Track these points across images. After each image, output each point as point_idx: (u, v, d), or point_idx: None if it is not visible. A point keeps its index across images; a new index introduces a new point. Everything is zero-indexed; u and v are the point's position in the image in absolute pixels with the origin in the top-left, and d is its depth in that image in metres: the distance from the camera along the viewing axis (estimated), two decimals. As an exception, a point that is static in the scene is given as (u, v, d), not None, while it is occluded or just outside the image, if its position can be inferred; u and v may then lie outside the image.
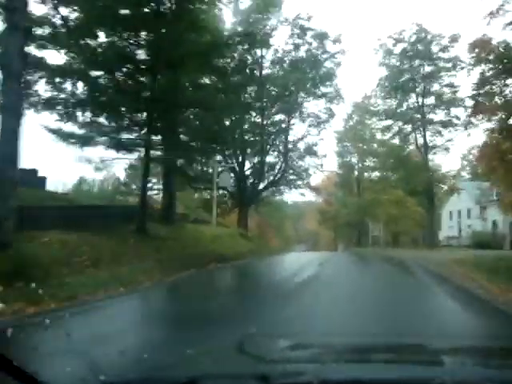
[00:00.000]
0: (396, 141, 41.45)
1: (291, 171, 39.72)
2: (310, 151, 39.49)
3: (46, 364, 2.42)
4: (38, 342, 4.53)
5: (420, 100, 38.03)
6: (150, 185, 30.23)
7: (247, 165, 38.45)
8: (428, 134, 38.36)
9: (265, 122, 36.94)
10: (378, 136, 51.65)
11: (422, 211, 52.58)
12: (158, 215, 19.80)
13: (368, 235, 52.90)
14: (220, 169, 30.28)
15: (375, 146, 52.93)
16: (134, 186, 49.82)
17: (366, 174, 57.16)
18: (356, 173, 57.63)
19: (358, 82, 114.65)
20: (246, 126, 34.14)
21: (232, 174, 34.65)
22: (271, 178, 38.76)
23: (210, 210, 40.29)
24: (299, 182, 40.05)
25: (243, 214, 36.91)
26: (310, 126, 39.43)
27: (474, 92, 18.44)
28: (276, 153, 39.11)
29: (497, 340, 4.29)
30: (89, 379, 1.84)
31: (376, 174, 54.51)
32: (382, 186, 52.76)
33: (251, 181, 37.88)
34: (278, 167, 38.70)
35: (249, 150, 36.96)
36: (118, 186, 60.46)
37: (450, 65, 38.98)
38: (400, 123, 38.95)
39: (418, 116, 37.63)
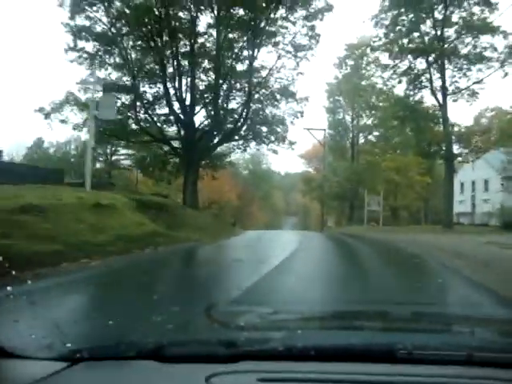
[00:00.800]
0: (402, 87, 30.95)
1: (259, 119, 29.10)
2: (285, 92, 28.72)
3: (9, 331, 1.85)
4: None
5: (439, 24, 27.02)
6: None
7: (198, 111, 28.24)
8: (448, 75, 27.78)
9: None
10: (379, 84, 41.27)
11: (425, 181, 43.31)
12: None
13: (363, 210, 42.94)
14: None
15: (374, 99, 42.64)
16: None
17: (361, 134, 46.74)
18: (350, 134, 47.17)
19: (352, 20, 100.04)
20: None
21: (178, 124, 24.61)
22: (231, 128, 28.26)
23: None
24: (272, 136, 29.43)
25: (191, 177, 26.80)
26: (283, 54, 28.48)
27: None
28: (239, 95, 28.55)
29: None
30: (55, 346, 1.68)
31: (375, 134, 44.13)
32: (381, 148, 42.49)
33: (202, 132, 27.67)
34: (239, 113, 28.12)
35: (201, 86, 26.76)
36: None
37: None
38: (410, 58, 28.30)
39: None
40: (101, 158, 48.23)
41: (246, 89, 27.42)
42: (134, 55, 26.69)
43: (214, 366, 1.50)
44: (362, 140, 46.78)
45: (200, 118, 28.21)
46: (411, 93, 29.92)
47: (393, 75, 30.61)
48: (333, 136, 48.33)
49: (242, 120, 27.77)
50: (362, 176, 39.55)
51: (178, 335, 2.22)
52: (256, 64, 27.46)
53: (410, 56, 29.00)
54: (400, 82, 30.48)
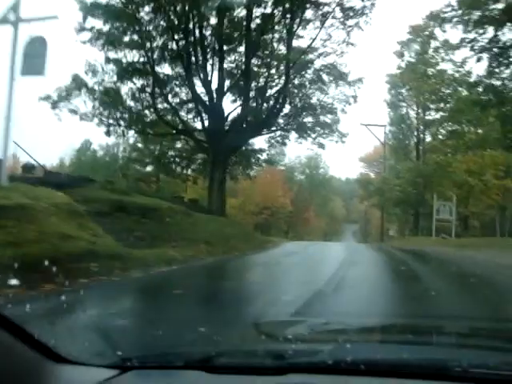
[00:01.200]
0: (480, 70, 24.88)
1: (302, 106, 23.73)
2: (333, 71, 23.24)
3: (63, 338, 2.15)
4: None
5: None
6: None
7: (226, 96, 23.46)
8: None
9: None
10: (450, 70, 35.03)
11: (505, 185, 36.64)
12: None
13: (430, 218, 36.63)
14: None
15: (443, 89, 36.34)
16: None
17: (428, 131, 40.24)
18: (415, 132, 40.82)
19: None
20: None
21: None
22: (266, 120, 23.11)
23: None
24: (317, 127, 24.01)
25: (217, 177, 22.11)
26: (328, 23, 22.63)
27: None
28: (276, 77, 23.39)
29: None
30: (107, 354, 1.82)
31: (444, 130, 37.58)
32: (452, 146, 36.06)
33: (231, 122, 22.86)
34: (276, 98, 22.94)
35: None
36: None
37: None
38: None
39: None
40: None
41: (283, 68, 22.24)
42: (150, 30, 22.34)
43: (261, 378, 1.51)
44: (428, 138, 40.32)
45: (229, 105, 23.50)
46: (496, 70, 23.67)
47: (466, 59, 24.46)
48: (395, 134, 42.27)
49: (278, 106, 22.66)
50: (430, 179, 33.33)
51: (225, 346, 2.16)
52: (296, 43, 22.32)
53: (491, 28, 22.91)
54: (479, 59, 24.32)
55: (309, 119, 24.11)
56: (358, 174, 56.67)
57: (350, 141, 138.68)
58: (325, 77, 23.42)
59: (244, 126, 22.96)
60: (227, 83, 23.27)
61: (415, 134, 40.61)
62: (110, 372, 1.55)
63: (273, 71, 23.32)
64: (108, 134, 23.53)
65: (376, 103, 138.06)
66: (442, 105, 37.49)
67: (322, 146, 25.03)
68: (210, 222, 16.28)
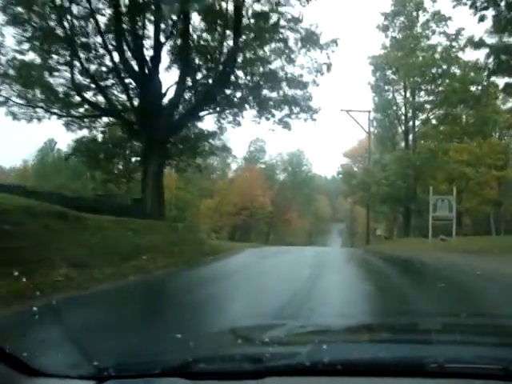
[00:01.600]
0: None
1: (261, 77, 18.62)
2: (299, 31, 18.14)
3: (37, 350, 1.93)
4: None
5: None
6: None
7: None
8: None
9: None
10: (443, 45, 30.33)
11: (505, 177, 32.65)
12: None
13: (423, 216, 31.85)
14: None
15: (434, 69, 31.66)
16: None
17: (419, 118, 35.43)
18: (403, 118, 35.98)
19: None
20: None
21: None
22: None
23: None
24: (283, 105, 18.92)
25: (152, 168, 17.02)
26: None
27: None
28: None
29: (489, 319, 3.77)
30: (82, 365, 1.72)
31: (439, 113, 32.66)
32: (445, 133, 31.36)
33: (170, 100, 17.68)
34: (224, 64, 17.68)
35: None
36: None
37: None
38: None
39: None
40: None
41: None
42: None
43: (240, 383, 1.53)
44: (418, 125, 35.49)
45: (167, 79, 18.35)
46: (502, 35, 18.93)
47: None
48: (381, 122, 37.52)
49: (227, 72, 17.48)
50: (422, 169, 28.55)
51: (202, 351, 1.95)
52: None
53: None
54: (483, 19, 19.53)
55: (270, 93, 19.06)
56: (339, 166, 51.28)
57: (334, 136, 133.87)
58: (291, 38, 18.30)
59: (185, 103, 17.87)
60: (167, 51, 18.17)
61: (403, 121, 35.82)
62: (87, 383, 1.53)
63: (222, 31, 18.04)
64: (15, 117, 18.33)
65: (360, 90, 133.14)
66: (433, 86, 32.89)
67: (287, 125, 19.94)
68: (119, 229, 11.27)
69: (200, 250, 14.32)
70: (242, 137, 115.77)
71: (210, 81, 17.94)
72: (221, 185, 67.44)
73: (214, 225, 60.65)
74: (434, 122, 32.89)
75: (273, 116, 19.21)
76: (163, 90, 17.60)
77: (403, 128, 35.67)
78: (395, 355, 1.64)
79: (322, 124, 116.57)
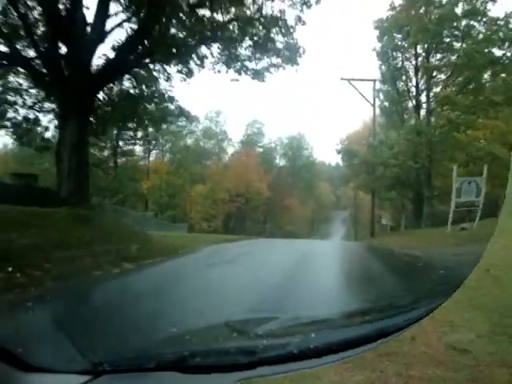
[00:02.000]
0: None
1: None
2: None
3: (32, 345, 1.91)
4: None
5: None
6: None
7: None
8: None
9: None
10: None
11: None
12: None
13: (436, 203, 26.68)
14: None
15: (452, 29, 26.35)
16: None
17: (433, 89, 30.17)
18: (413, 89, 30.71)
19: None
20: None
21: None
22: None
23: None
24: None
25: (71, 135, 12.04)
26: None
27: None
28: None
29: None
30: (77, 359, 1.74)
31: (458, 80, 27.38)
32: (466, 105, 26.08)
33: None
34: None
35: None
36: None
37: None
38: None
39: None
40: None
41: None
42: None
43: (235, 375, 1.59)
44: (432, 97, 30.22)
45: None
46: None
47: None
48: (387, 94, 32.38)
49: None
50: (440, 147, 23.40)
51: (198, 345, 2.07)
52: None
53: None
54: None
55: (236, 31, 13.85)
56: (339, 145, 45.62)
57: (337, 121, 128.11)
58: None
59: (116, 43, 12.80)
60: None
61: (413, 93, 30.61)
62: (82, 378, 1.51)
63: None
64: None
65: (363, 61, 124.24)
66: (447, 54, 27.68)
67: (258, 74, 14.64)
68: None
69: (117, 254, 9.37)
70: (240, 119, 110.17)
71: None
72: (213, 169, 62.35)
73: (205, 213, 55.80)
74: (454, 88, 27.66)
75: (238, 59, 14.03)
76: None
77: (414, 102, 30.51)
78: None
79: (323, 104, 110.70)
